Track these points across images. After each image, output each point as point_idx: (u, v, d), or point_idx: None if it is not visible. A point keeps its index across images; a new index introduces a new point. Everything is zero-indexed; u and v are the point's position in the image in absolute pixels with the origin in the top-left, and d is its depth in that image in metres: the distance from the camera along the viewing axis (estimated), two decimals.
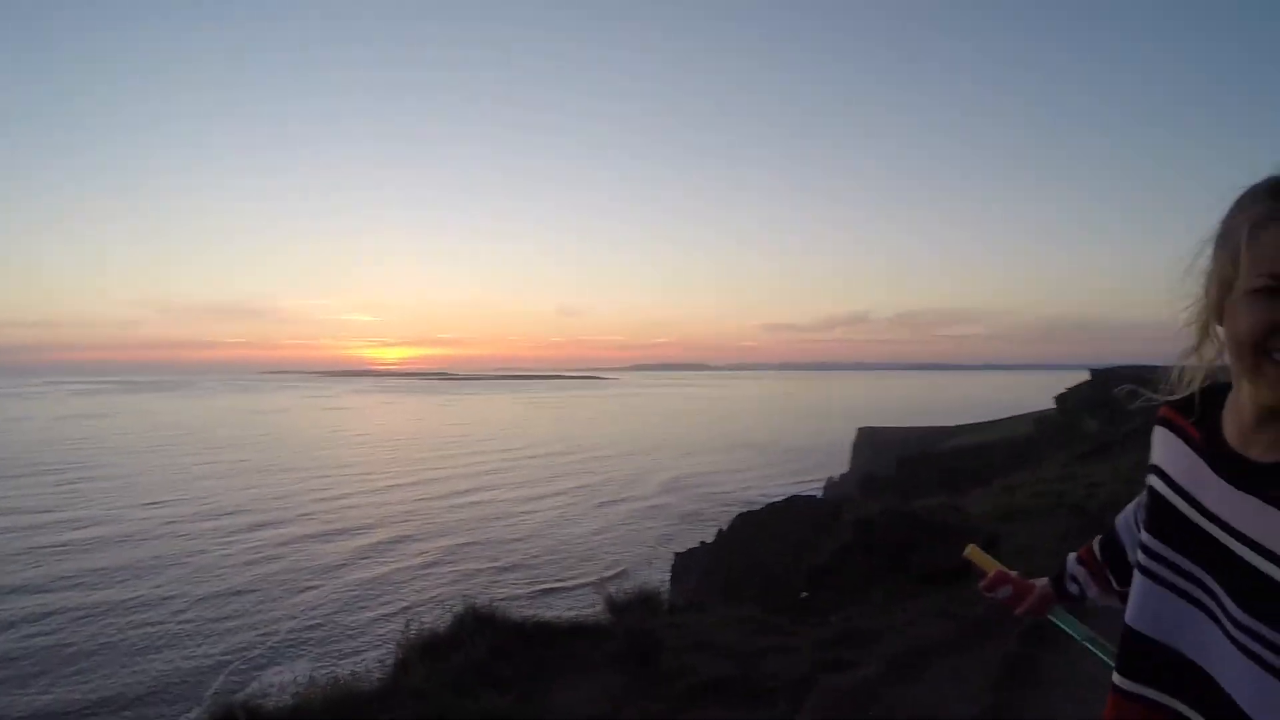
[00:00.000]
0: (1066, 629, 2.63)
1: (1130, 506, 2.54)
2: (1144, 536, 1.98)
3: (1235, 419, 1.85)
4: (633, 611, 10.52)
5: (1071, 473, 27.01)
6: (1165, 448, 2.05)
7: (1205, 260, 1.82)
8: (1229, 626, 1.68)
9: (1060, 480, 24.52)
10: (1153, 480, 2.04)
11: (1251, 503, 1.72)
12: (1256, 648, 1.62)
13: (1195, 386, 1.99)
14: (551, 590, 57.39)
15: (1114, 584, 2.56)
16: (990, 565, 2.77)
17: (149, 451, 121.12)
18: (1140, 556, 1.97)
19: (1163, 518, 1.93)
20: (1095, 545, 2.64)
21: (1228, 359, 1.83)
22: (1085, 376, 75.75)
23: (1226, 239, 1.73)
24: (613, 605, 10.85)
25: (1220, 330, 1.82)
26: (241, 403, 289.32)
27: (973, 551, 2.83)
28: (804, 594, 12.79)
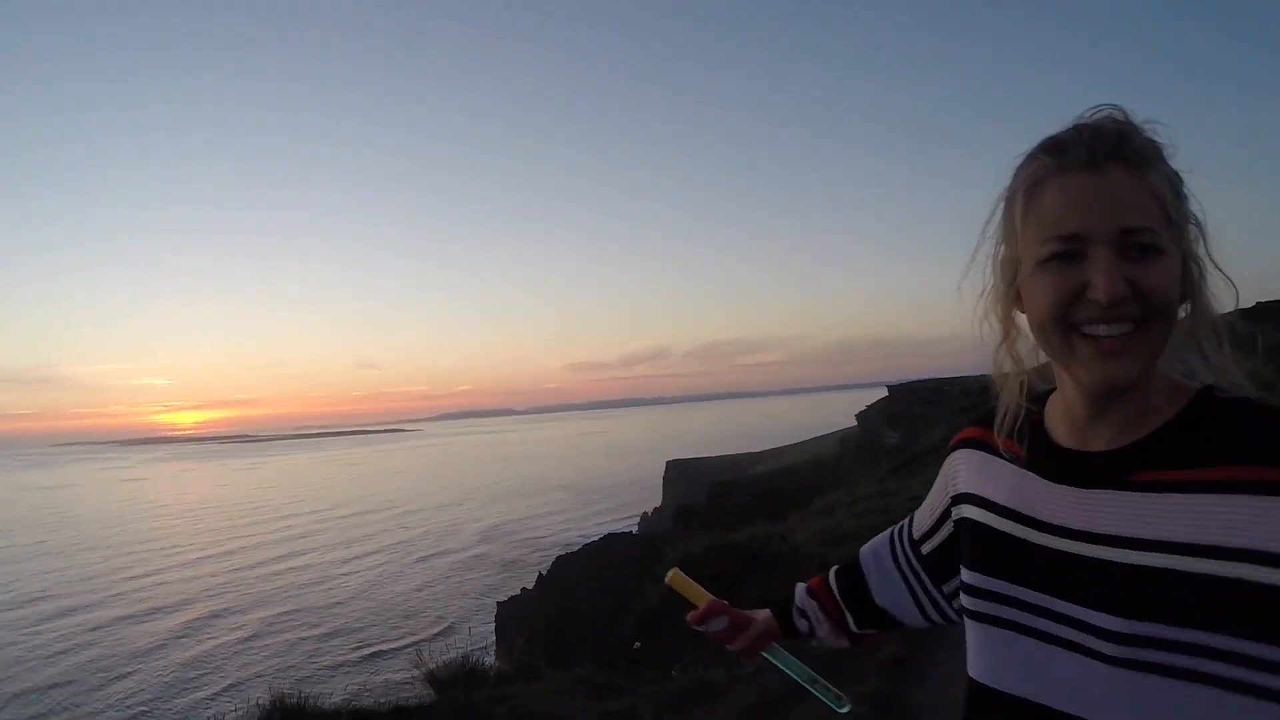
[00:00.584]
0: (784, 668, 2.20)
1: (881, 537, 2.14)
2: (969, 576, 1.64)
3: (1066, 417, 1.57)
4: (456, 685, 9.45)
5: (888, 488, 26.23)
6: (979, 471, 1.74)
7: (990, 244, 1.57)
8: (1107, 647, 1.39)
9: (880, 496, 23.87)
10: (966, 511, 1.72)
11: (1109, 497, 1.44)
12: (1150, 654, 1.34)
13: (1014, 389, 1.69)
14: (379, 653, 56.14)
15: (851, 624, 2.16)
16: (698, 594, 2.23)
17: None
18: (966, 601, 1.63)
19: (989, 550, 1.61)
20: (830, 576, 2.22)
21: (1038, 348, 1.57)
22: (883, 393, 78.01)
23: (1006, 211, 1.51)
24: (434, 679, 9.73)
25: (1023, 317, 1.57)
26: (32, 479, 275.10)
27: (675, 578, 2.23)
28: (637, 644, 11.80)
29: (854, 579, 2.14)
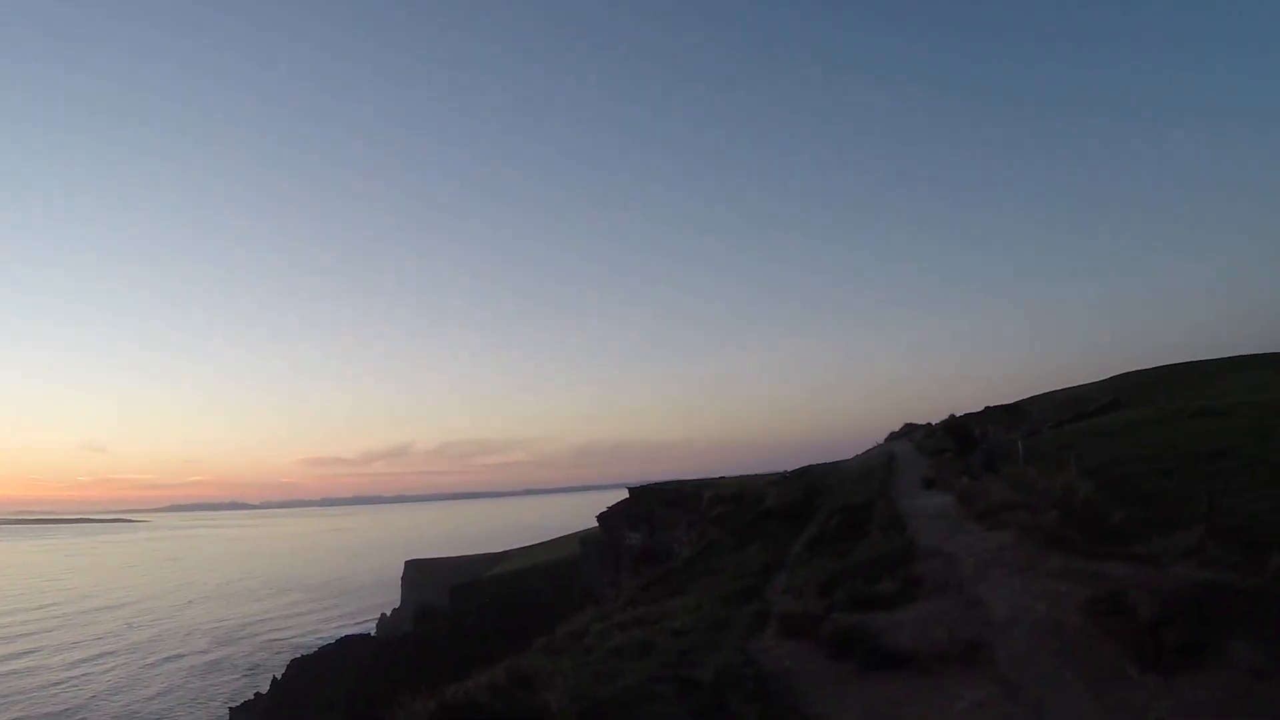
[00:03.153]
0: None
1: None
2: None
3: None
4: None
5: (645, 614, 22.35)
6: None
7: None
8: None
9: (637, 624, 20.04)
10: None
11: None
12: None
13: None
14: None
15: None
16: None
17: None
18: None
19: None
20: None
21: None
22: (624, 494, 79.60)
23: None
24: None
25: None
26: None
27: None
28: None
29: None
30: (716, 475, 75.77)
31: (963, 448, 38.66)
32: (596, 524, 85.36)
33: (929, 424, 59.78)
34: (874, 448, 58.35)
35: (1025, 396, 67.73)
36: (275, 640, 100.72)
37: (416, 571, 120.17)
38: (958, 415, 55.89)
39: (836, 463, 53.35)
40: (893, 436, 62.89)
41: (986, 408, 60.06)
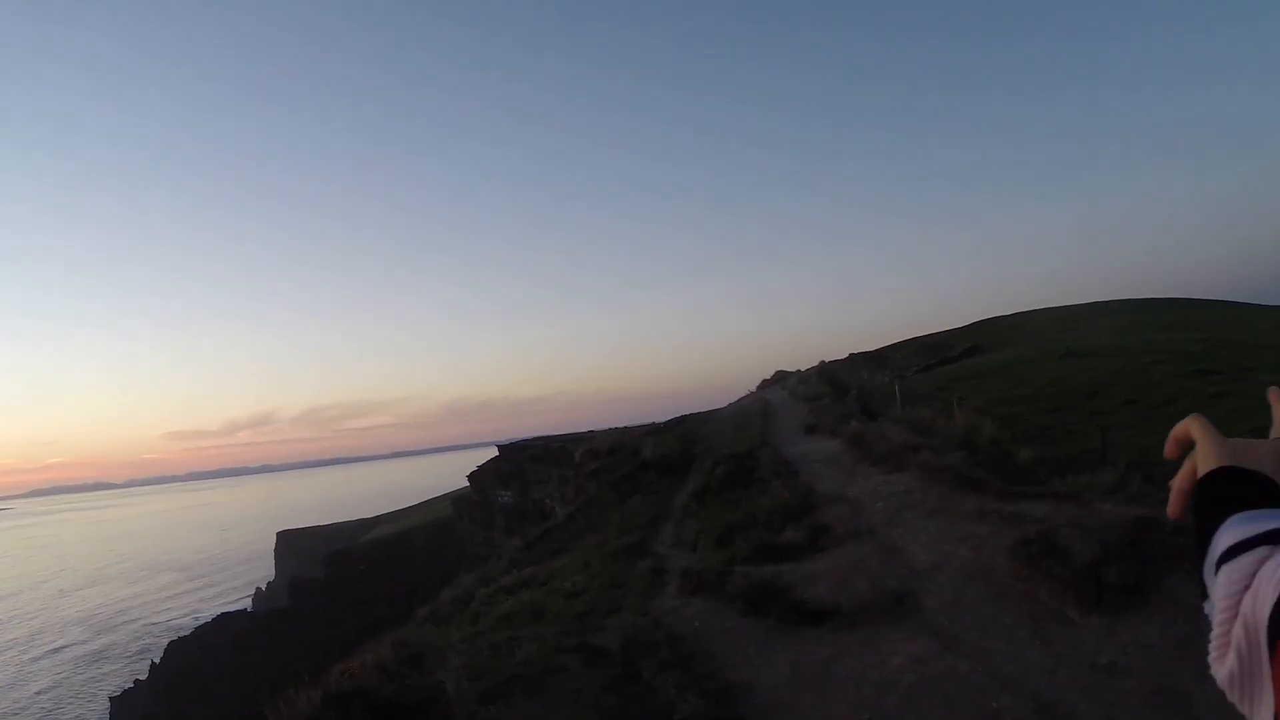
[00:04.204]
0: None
1: None
2: None
3: None
4: None
5: (532, 575, 20.61)
6: None
7: None
8: None
9: (524, 587, 18.83)
10: None
11: None
12: None
13: None
14: None
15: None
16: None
17: None
18: None
19: None
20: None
21: None
22: (494, 452, 79.25)
23: None
24: None
25: None
26: None
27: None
28: None
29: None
30: (586, 430, 75.63)
31: (839, 393, 38.86)
32: (468, 483, 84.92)
33: (798, 371, 60.11)
34: (747, 395, 58.37)
35: (888, 344, 68.51)
36: (155, 624, 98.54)
37: (288, 542, 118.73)
38: (827, 362, 56.27)
39: (711, 411, 53.09)
40: (765, 384, 63.05)
41: (851, 355, 60.53)
